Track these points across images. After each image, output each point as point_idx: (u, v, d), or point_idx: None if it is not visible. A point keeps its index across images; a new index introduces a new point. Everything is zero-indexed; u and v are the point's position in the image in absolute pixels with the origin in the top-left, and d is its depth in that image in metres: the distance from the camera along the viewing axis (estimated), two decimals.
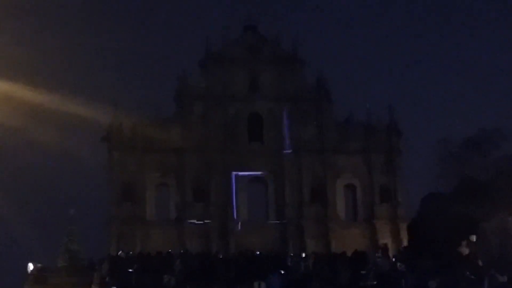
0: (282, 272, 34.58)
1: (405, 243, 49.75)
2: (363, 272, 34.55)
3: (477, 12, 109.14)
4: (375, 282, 33.08)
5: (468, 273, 34.14)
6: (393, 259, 40.49)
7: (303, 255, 42.86)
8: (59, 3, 73.25)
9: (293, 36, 55.11)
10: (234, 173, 51.08)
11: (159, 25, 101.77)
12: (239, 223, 49.66)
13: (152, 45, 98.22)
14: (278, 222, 50.73)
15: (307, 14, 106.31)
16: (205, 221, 49.87)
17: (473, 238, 41.55)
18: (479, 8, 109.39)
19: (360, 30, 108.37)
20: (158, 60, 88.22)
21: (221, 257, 41.49)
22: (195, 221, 49.76)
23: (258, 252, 41.99)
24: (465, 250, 39.73)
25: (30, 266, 38.61)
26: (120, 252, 42.89)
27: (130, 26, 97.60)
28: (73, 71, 75.41)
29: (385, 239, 49.60)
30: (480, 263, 36.53)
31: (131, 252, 43.27)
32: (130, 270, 36.45)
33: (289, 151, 51.57)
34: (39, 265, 39.03)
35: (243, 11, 57.49)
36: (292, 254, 43.90)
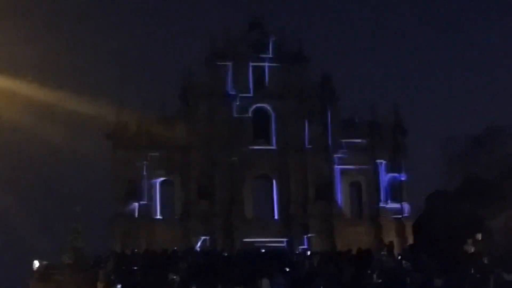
0: (287, 269, 34.64)
1: (410, 241, 49.71)
2: (368, 270, 34.54)
3: (484, 9, 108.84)
4: (380, 280, 33.07)
5: (473, 271, 34.14)
6: (398, 257, 40.52)
7: (308, 253, 42.94)
8: (64, 0, 73.22)
9: (298, 33, 55.05)
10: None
11: (164, 23, 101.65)
12: None
13: (157, 42, 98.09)
14: (283, 219, 50.68)
15: (312, 12, 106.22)
16: (211, 218, 49.85)
17: (479, 236, 41.55)
18: (485, 5, 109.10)
19: (365, 27, 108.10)
20: (163, 58, 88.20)
21: (226, 255, 41.59)
22: (200, 218, 49.71)
23: (263, 250, 42.06)
24: (471, 249, 39.73)
25: (36, 264, 38.70)
26: (125, 249, 43.06)
27: (134, 23, 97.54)
28: (77, 68, 75.32)
29: (390, 237, 49.58)
30: (485, 261, 36.52)
31: (136, 250, 43.41)
32: (135, 267, 36.56)
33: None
34: (44, 262, 39.11)
35: (248, 9, 57.35)
36: (297, 252, 44.02)
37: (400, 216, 51.43)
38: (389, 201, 51.76)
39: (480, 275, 33.71)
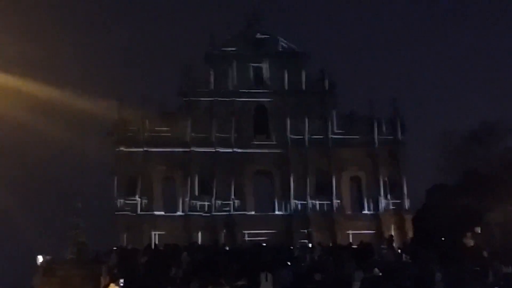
0: (289, 263, 34.99)
1: (410, 235, 50.02)
2: (368, 263, 34.87)
3: (481, 5, 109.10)
4: (380, 274, 33.40)
5: (472, 264, 34.50)
6: (398, 251, 40.90)
7: (310, 246, 43.30)
8: None
9: (297, 29, 55.46)
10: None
11: (164, 20, 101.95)
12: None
13: (157, 39, 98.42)
14: (284, 214, 51.00)
15: (310, 8, 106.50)
16: (212, 213, 50.18)
17: (478, 230, 41.94)
18: (482, 1, 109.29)
19: (363, 23, 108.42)
20: (163, 55, 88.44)
21: (227, 249, 41.94)
22: (201, 213, 50.04)
23: (264, 244, 42.41)
24: (470, 242, 40.12)
25: (40, 259, 39.04)
26: (128, 245, 43.41)
27: (134, 21, 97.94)
28: (78, 66, 75.68)
29: (390, 231, 49.91)
30: (484, 254, 36.89)
31: (138, 245, 43.75)
32: (138, 262, 36.92)
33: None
34: (48, 257, 39.45)
35: (247, 5, 57.76)
36: (298, 246, 44.40)
37: (400, 210, 51.70)
38: (388, 195, 52.03)
39: (479, 268, 34.08)
